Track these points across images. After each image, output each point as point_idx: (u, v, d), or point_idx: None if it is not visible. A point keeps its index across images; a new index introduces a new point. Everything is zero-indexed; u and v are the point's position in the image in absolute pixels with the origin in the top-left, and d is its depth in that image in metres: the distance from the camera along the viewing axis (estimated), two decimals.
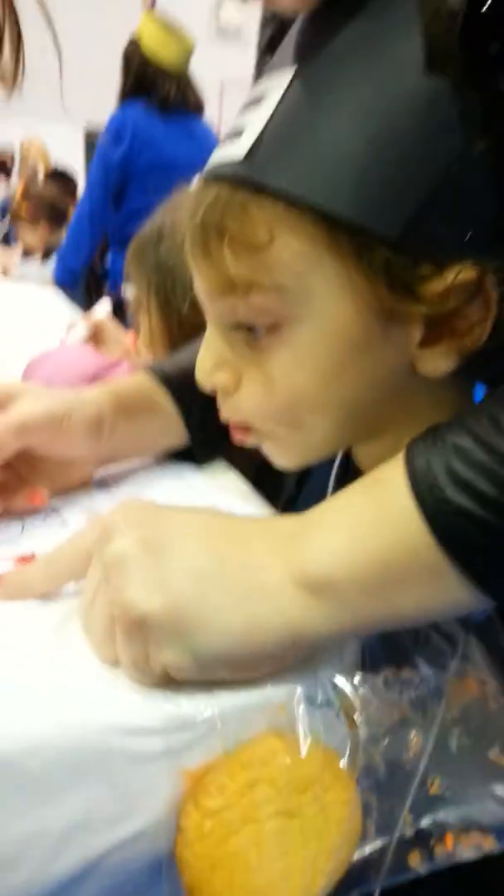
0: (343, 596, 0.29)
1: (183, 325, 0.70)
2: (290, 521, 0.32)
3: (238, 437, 0.40)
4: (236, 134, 0.34)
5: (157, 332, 0.73)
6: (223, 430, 0.57)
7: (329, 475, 0.49)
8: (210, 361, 0.38)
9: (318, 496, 0.49)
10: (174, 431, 0.54)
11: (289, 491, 0.56)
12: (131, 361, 0.76)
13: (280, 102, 0.32)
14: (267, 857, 0.28)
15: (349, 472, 0.47)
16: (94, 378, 0.65)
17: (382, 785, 0.31)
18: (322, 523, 0.31)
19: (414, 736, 0.32)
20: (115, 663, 0.31)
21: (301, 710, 0.30)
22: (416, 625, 0.32)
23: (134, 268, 0.75)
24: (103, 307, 1.25)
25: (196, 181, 0.37)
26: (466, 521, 0.27)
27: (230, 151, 0.33)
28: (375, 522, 0.29)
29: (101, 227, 2.07)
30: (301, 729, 0.29)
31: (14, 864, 0.27)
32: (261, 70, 0.60)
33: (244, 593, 0.29)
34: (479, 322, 0.32)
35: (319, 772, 0.29)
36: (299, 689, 0.30)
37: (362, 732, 0.31)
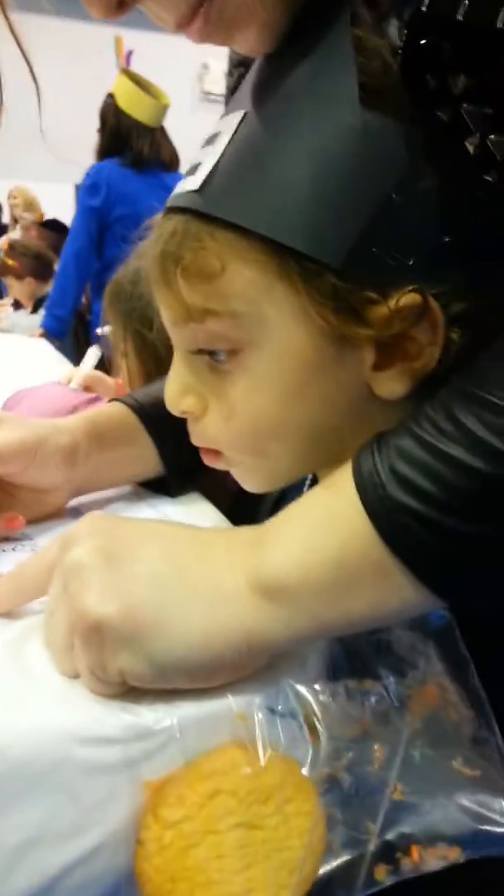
0: (297, 600, 0.29)
1: (160, 366, 0.72)
2: (249, 530, 0.33)
3: (208, 460, 0.41)
4: (193, 169, 0.36)
5: (134, 374, 0.74)
6: (197, 461, 0.58)
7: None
8: (177, 387, 0.39)
9: None
10: (148, 461, 0.55)
11: (264, 519, 0.56)
12: None
13: (231, 140, 0.34)
14: (229, 870, 0.27)
15: None
16: (74, 410, 0.66)
17: (346, 798, 0.30)
18: (277, 530, 0.32)
19: (377, 749, 0.32)
20: (74, 675, 0.31)
21: (261, 719, 0.30)
22: (371, 628, 0.32)
23: (110, 312, 0.77)
24: (90, 359, 1.27)
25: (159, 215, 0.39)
26: (409, 517, 0.28)
27: (187, 185, 0.35)
28: (326, 525, 0.30)
29: (85, 273, 2.13)
30: (261, 739, 0.29)
31: None
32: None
33: (201, 599, 0.30)
34: (429, 345, 0.33)
35: (281, 782, 0.29)
36: (259, 699, 0.30)
37: (325, 746, 0.31)
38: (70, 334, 2.28)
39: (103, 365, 1.16)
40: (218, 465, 0.41)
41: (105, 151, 2.07)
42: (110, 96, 2.02)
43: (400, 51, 0.30)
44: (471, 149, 0.29)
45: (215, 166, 0.34)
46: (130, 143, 2.03)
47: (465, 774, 0.31)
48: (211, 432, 0.38)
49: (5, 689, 0.29)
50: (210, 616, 0.29)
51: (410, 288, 0.32)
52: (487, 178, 0.29)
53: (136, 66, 2.20)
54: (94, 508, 0.53)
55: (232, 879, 0.28)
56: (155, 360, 0.73)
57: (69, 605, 0.30)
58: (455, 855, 0.29)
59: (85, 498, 0.54)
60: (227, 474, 0.66)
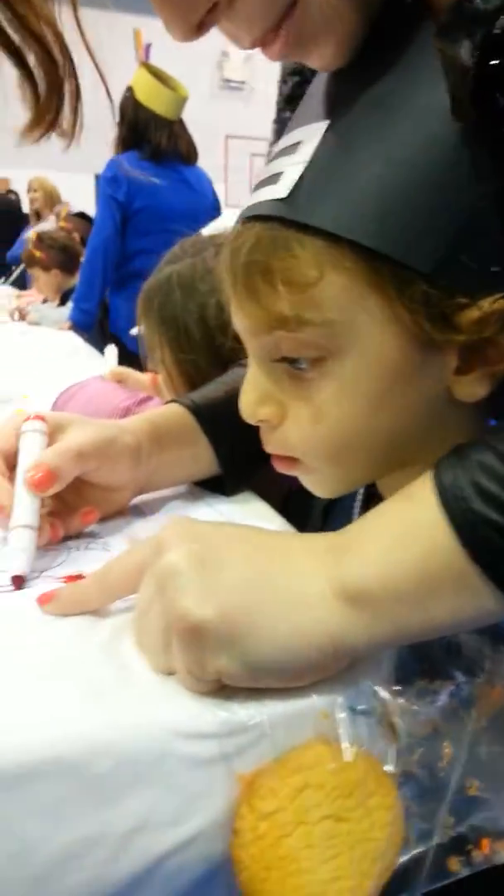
0: (380, 606, 0.31)
1: (200, 370, 0.73)
2: (327, 537, 0.34)
3: (283, 468, 0.42)
4: (273, 178, 0.36)
5: (175, 380, 0.76)
6: (251, 462, 0.60)
7: (351, 507, 0.51)
8: (254, 396, 0.39)
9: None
10: (205, 461, 0.57)
11: (316, 522, 0.58)
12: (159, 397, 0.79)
13: (317, 150, 0.35)
14: (318, 859, 0.29)
15: (371, 502, 0.50)
16: (127, 412, 0.68)
17: (419, 792, 0.32)
18: (358, 538, 0.33)
19: (446, 746, 0.34)
20: (169, 673, 0.33)
21: (343, 717, 0.32)
22: (448, 634, 0.34)
23: (144, 320, 0.79)
24: (111, 357, 1.28)
25: (235, 223, 0.39)
26: (491, 530, 0.29)
27: (269, 193, 0.35)
28: (408, 535, 0.31)
29: (112, 265, 2.14)
30: (343, 735, 0.31)
31: (77, 865, 0.28)
32: (281, 119, 0.64)
33: (288, 604, 0.31)
34: None
35: (363, 777, 0.31)
36: (340, 698, 0.32)
37: (401, 743, 0.33)
38: (96, 326, 2.30)
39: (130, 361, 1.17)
40: (293, 472, 0.42)
41: (124, 144, 2.07)
42: (129, 89, 2.02)
43: (471, 71, 0.31)
44: None
45: (302, 175, 0.34)
46: (148, 135, 2.02)
47: None
48: (292, 440, 0.39)
49: (106, 688, 0.31)
50: (297, 621, 0.31)
51: (501, 295, 0.33)
52: None
53: (155, 54, 2.20)
54: (155, 507, 0.55)
55: (320, 868, 0.30)
56: (193, 365, 0.75)
57: (166, 607, 0.31)
58: None
59: (146, 497, 0.56)
60: (279, 474, 0.68)
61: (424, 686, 0.35)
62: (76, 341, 1.85)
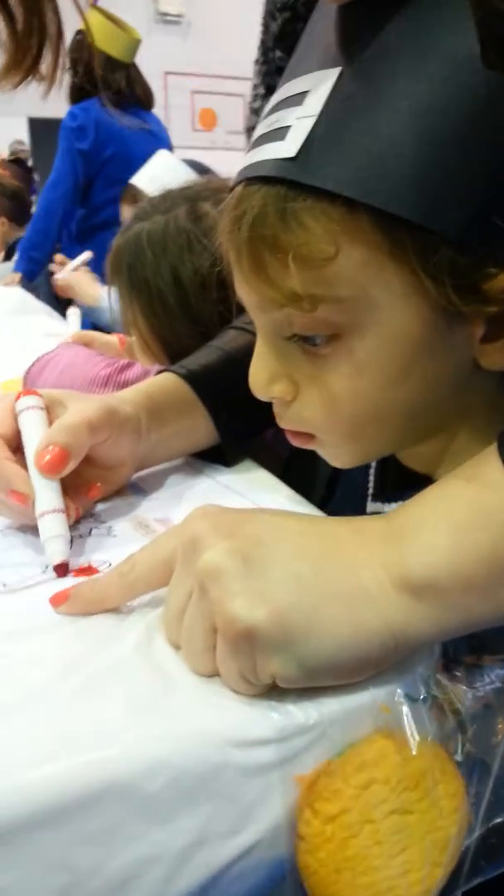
0: (447, 597, 0.29)
1: (177, 335, 0.70)
2: (378, 522, 0.32)
3: (298, 442, 0.40)
4: (277, 133, 0.32)
5: (151, 344, 0.72)
6: (250, 430, 0.57)
7: (364, 476, 0.49)
8: (265, 374, 0.37)
9: (356, 498, 0.49)
10: (203, 432, 0.54)
11: (319, 490, 0.56)
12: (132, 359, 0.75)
13: (329, 101, 0.31)
14: (387, 855, 0.28)
15: (389, 471, 0.47)
16: (107, 381, 0.64)
17: (483, 774, 0.31)
18: (418, 524, 0.31)
19: (500, 722, 0.32)
20: (213, 674, 0.30)
21: (405, 708, 0.30)
22: None
23: (114, 280, 0.74)
24: (74, 318, 1.23)
25: (235, 184, 0.35)
26: None
27: (274, 151, 0.32)
28: (475, 521, 0.29)
29: (68, 219, 2.05)
30: (407, 726, 0.29)
31: (132, 888, 0.26)
32: (269, 60, 0.59)
33: (346, 600, 0.29)
34: None
35: (429, 767, 0.29)
36: (399, 688, 0.30)
37: (458, 724, 0.31)
38: (45, 281, 2.19)
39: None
40: (308, 446, 0.40)
41: (79, 91, 1.95)
42: (80, 33, 1.88)
43: None
44: None
45: (313, 130, 0.31)
46: (107, 81, 1.92)
47: None
48: (307, 416, 0.37)
49: (149, 699, 0.29)
50: (357, 616, 0.29)
51: None
52: None
53: None
54: (155, 484, 0.52)
55: (390, 863, 0.28)
56: (169, 329, 0.71)
57: (210, 611, 0.29)
58: None
59: (143, 473, 0.52)
60: (276, 440, 0.65)
61: (473, 662, 0.33)
62: (26, 297, 1.75)
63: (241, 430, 0.55)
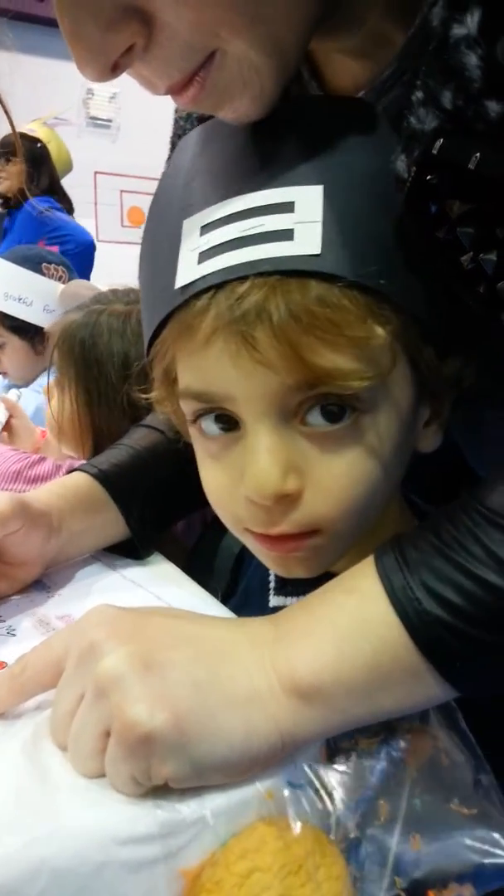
0: (331, 701, 0.31)
1: (110, 416, 0.73)
2: (267, 626, 0.34)
3: (289, 548, 0.38)
4: (270, 235, 0.33)
5: (78, 421, 0.75)
6: (160, 525, 0.59)
7: (264, 570, 0.50)
8: (279, 468, 0.35)
9: (258, 592, 0.51)
10: (114, 529, 0.55)
11: (223, 581, 0.57)
12: (47, 454, 0.76)
13: (325, 210, 0.33)
14: None
15: None
16: (18, 476, 0.65)
17: (364, 857, 0.32)
18: (303, 630, 0.33)
19: (382, 804, 0.34)
20: (98, 776, 0.31)
21: (287, 794, 0.31)
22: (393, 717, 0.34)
23: (62, 358, 0.77)
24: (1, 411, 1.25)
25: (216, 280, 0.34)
26: (443, 629, 0.31)
27: (286, 250, 0.33)
28: (357, 631, 0.32)
29: None
30: (290, 813, 0.31)
31: None
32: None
33: (239, 704, 0.31)
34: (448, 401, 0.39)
35: (310, 850, 0.30)
36: (283, 776, 0.32)
37: (340, 811, 0.33)
38: None
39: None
40: (299, 551, 0.39)
41: (41, 190, 2.23)
42: (39, 143, 2.17)
43: (407, 183, 0.32)
44: (465, 264, 0.32)
45: (323, 232, 0.33)
46: (59, 189, 2.29)
47: (463, 814, 0.34)
48: (320, 508, 0.36)
49: (35, 798, 0.29)
50: (249, 720, 0.30)
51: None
52: (478, 289, 0.33)
53: (21, 92, 2.23)
54: (57, 579, 0.52)
55: None
56: (105, 411, 0.74)
57: (111, 715, 0.29)
58: (469, 892, 0.32)
59: (51, 571, 0.53)
60: (182, 532, 0.67)
61: (350, 747, 0.35)
62: None
63: (152, 526, 0.57)
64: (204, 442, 0.40)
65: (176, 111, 0.54)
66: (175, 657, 0.31)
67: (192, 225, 0.36)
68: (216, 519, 0.53)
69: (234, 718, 0.30)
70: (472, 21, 0.28)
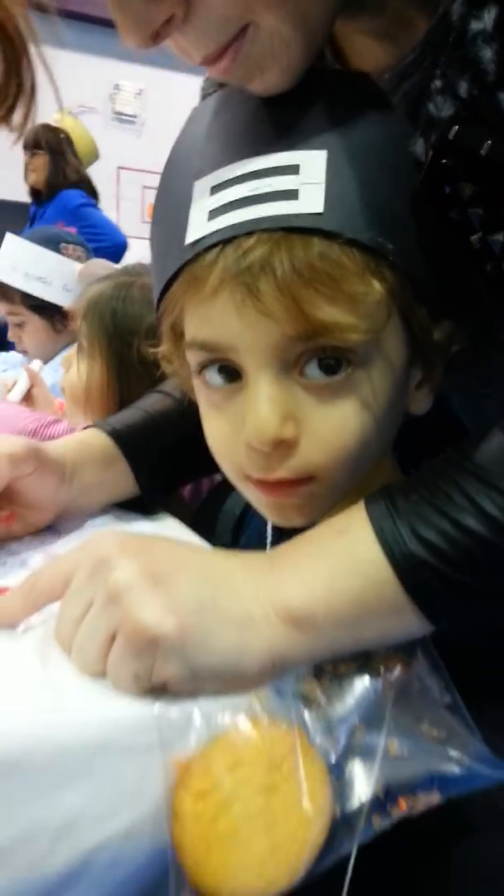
0: (321, 630, 0.34)
1: (132, 382, 0.75)
2: (263, 559, 0.37)
3: (282, 496, 0.41)
4: (275, 195, 0.36)
5: (106, 390, 0.78)
6: (168, 484, 0.62)
7: (263, 525, 0.52)
8: (277, 415, 0.37)
9: (257, 547, 0.54)
10: (125, 486, 0.58)
11: (224, 542, 0.60)
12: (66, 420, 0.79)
13: (327, 172, 0.36)
14: (256, 831, 0.31)
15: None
16: (34, 434, 0.68)
17: (341, 762, 0.35)
18: (298, 565, 0.36)
19: (359, 725, 0.36)
20: (101, 676, 0.33)
21: (273, 699, 0.34)
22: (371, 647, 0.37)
23: (90, 319, 0.79)
24: (23, 384, 1.29)
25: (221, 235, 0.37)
26: (428, 572, 0.34)
27: (290, 208, 0.36)
28: (349, 569, 0.35)
29: None
30: (273, 713, 0.34)
31: (8, 863, 0.28)
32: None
33: (236, 622, 0.34)
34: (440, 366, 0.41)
35: (292, 750, 0.33)
36: (271, 685, 0.34)
37: (323, 721, 0.35)
38: None
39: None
40: (292, 498, 0.41)
41: (67, 181, 2.28)
42: (62, 133, 2.20)
43: (424, 166, 0.35)
44: (474, 243, 0.35)
45: (326, 193, 0.36)
46: (85, 179, 2.36)
47: (433, 736, 0.37)
48: (315, 455, 0.39)
49: (41, 688, 0.32)
50: (244, 639, 0.33)
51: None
52: (486, 268, 0.35)
53: (48, 85, 2.28)
54: (69, 527, 0.55)
55: (258, 840, 0.31)
56: (128, 375, 0.77)
57: (120, 619, 0.32)
58: (436, 799, 0.35)
59: (58, 519, 0.56)
60: (189, 494, 0.70)
61: (333, 671, 0.38)
62: None
63: (160, 484, 0.60)
64: (207, 393, 0.42)
65: (203, 89, 0.57)
66: (181, 576, 0.34)
67: (203, 185, 0.39)
68: (220, 483, 0.56)
69: (230, 637, 0.33)
70: (489, 17, 0.31)
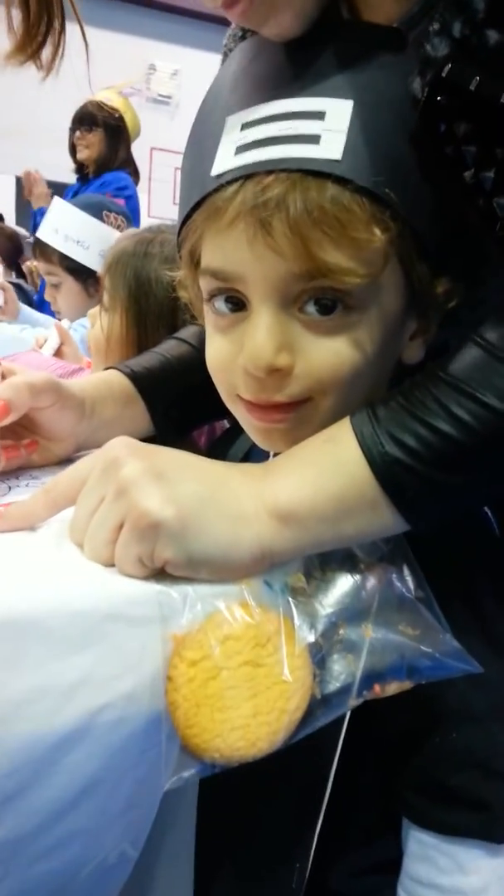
0: (305, 525, 0.38)
1: (149, 331, 0.80)
2: (258, 467, 0.41)
3: (277, 419, 0.44)
4: (299, 138, 0.38)
5: (125, 339, 0.82)
6: (182, 426, 0.66)
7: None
8: (273, 344, 0.41)
9: None
10: (141, 424, 0.62)
11: None
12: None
13: (350, 122, 0.38)
14: (240, 697, 0.36)
15: None
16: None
17: (322, 652, 0.39)
18: (287, 469, 0.40)
19: (342, 622, 0.40)
20: (110, 564, 0.37)
21: (262, 588, 0.38)
22: (354, 544, 0.41)
23: (112, 273, 0.84)
24: (54, 340, 1.34)
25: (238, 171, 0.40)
26: (401, 469, 0.37)
27: (310, 152, 0.38)
28: (332, 470, 0.39)
29: None
30: (263, 602, 0.38)
31: (24, 714, 0.32)
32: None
33: (230, 516, 0.37)
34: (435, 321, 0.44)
35: (276, 631, 0.37)
36: (260, 576, 0.38)
37: (308, 610, 0.39)
38: None
39: None
40: (285, 422, 0.44)
41: (119, 163, 2.32)
42: (116, 113, 2.25)
43: (421, 102, 0.38)
44: (468, 179, 0.38)
45: (346, 141, 0.38)
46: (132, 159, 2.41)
47: (409, 634, 0.40)
48: (315, 375, 0.42)
49: (59, 566, 0.37)
50: (236, 530, 0.37)
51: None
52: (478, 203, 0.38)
53: (83, 64, 2.32)
54: None
55: (242, 705, 0.36)
56: (146, 324, 0.81)
57: (127, 508, 0.36)
58: (407, 685, 0.38)
59: (81, 453, 0.60)
60: (198, 438, 0.75)
61: (320, 576, 0.41)
62: None
63: (174, 425, 0.64)
64: (215, 318, 0.46)
65: (225, 45, 0.60)
66: (184, 475, 0.38)
67: (235, 121, 0.42)
68: (230, 428, 0.60)
69: (224, 528, 0.37)
70: None
